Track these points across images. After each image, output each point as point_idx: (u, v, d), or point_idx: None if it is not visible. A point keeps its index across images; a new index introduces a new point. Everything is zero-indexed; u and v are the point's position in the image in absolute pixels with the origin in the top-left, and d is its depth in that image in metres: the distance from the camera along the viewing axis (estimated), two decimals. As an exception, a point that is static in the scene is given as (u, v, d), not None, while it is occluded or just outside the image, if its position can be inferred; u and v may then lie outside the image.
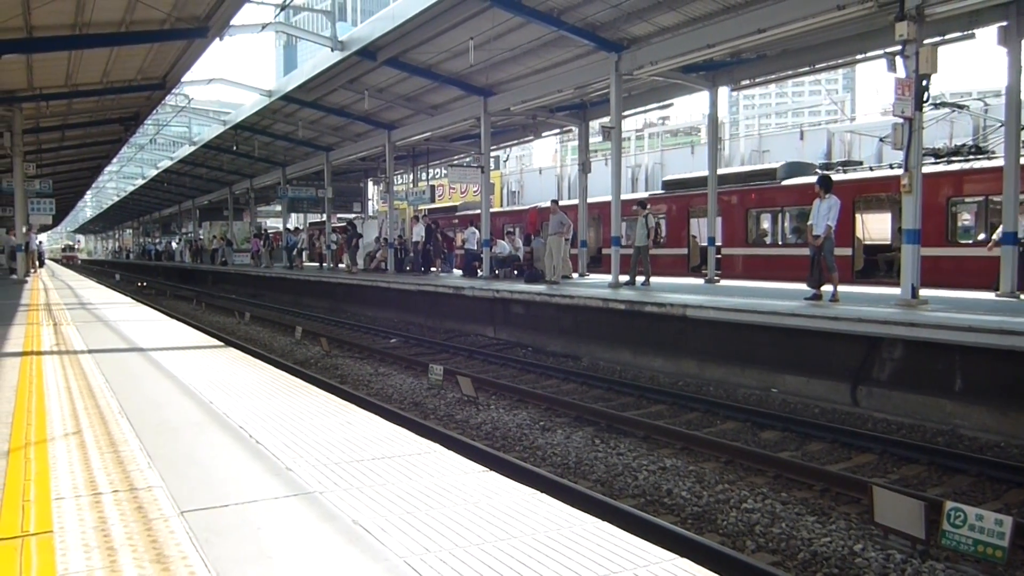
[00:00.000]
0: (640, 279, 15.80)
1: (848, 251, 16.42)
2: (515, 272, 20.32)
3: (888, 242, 18.17)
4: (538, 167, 50.77)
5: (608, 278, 16.66)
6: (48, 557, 2.82)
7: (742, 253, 19.39)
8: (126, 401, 5.51)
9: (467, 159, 26.68)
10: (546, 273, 17.90)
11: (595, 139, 22.36)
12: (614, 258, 16.03)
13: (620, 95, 15.65)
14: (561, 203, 21.55)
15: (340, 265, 28.49)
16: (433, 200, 29.34)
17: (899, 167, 11.42)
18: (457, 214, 31.50)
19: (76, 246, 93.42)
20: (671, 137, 62.07)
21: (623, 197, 17.04)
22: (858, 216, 17.32)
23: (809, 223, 11.73)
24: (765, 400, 9.89)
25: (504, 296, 15.73)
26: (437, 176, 43.69)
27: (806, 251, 12.22)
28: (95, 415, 5.09)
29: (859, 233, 17.64)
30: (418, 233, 24.42)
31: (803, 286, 12.65)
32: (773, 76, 16.20)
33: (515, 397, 10.26)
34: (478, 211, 24.04)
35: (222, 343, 9.67)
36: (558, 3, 14.36)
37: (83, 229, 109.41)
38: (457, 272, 23.81)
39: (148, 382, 6.33)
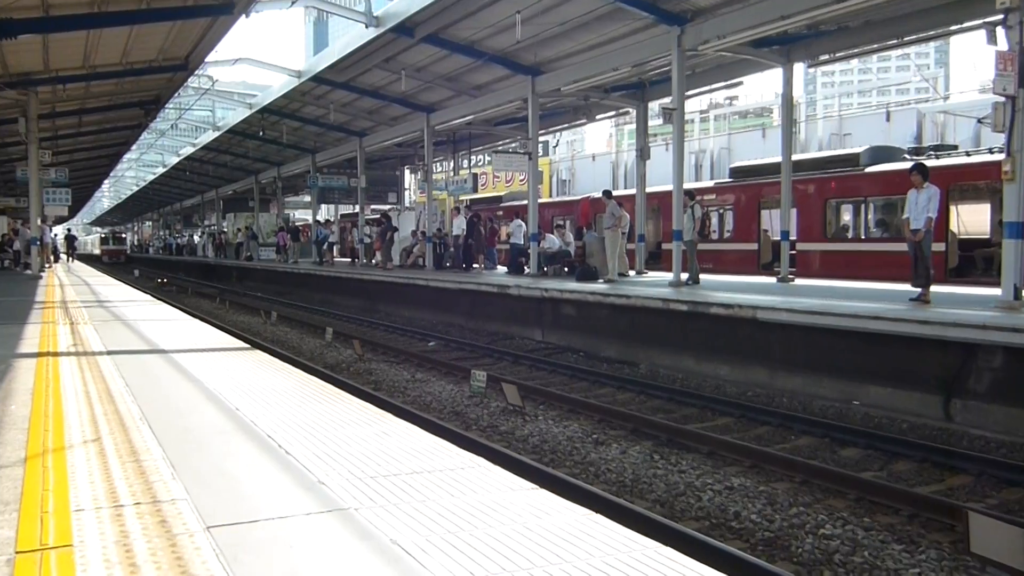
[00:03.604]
0: (684, 275, 15.77)
1: (941, 247, 16.07)
2: (565, 269, 20.33)
3: (987, 236, 17.71)
4: (591, 153, 50.75)
5: (668, 276, 16.60)
6: (68, 572, 2.91)
7: (819, 249, 19.11)
8: (148, 406, 5.61)
9: (513, 145, 26.75)
10: (599, 270, 17.90)
11: (655, 122, 22.19)
12: (675, 254, 15.95)
13: (683, 73, 15.54)
14: (617, 193, 21.46)
15: (374, 261, 28.75)
16: (475, 190, 29.40)
17: (1000, 152, 11.14)
18: (502, 205, 31.69)
19: (123, 235, 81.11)
20: (739, 119, 61.46)
21: (686, 186, 16.91)
22: (952, 207, 16.93)
23: (905, 216, 11.52)
24: (845, 413, 9.75)
25: (553, 296, 15.75)
26: (480, 163, 44.06)
27: (891, 247, 12.00)
28: (115, 421, 5.19)
29: (953, 227, 17.25)
30: (459, 226, 24.55)
31: (890, 286, 12.43)
32: (856, 50, 15.92)
33: (565, 407, 10.27)
34: (525, 202, 24.05)
35: (248, 345, 9.84)
36: (614, -28, 14.33)
37: (100, 221, 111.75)
38: (501, 269, 23.89)
39: (171, 386, 6.45)
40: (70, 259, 47.53)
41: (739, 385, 11.46)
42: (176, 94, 25.26)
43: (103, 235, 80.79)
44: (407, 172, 37.25)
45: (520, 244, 22.38)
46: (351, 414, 5.51)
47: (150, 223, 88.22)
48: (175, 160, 43.82)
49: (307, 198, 46.29)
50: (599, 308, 14.60)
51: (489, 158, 32.88)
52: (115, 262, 61.90)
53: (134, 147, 39.26)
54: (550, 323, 16.08)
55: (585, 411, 10.00)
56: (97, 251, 79.68)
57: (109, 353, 8.26)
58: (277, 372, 7.28)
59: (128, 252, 70.77)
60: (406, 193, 39.92)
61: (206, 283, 38.97)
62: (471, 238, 23.89)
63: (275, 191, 41.30)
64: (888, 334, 9.64)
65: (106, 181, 59.62)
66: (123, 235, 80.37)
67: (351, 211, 44.64)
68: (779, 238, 17.30)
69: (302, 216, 57.78)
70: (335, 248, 34.18)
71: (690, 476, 7.33)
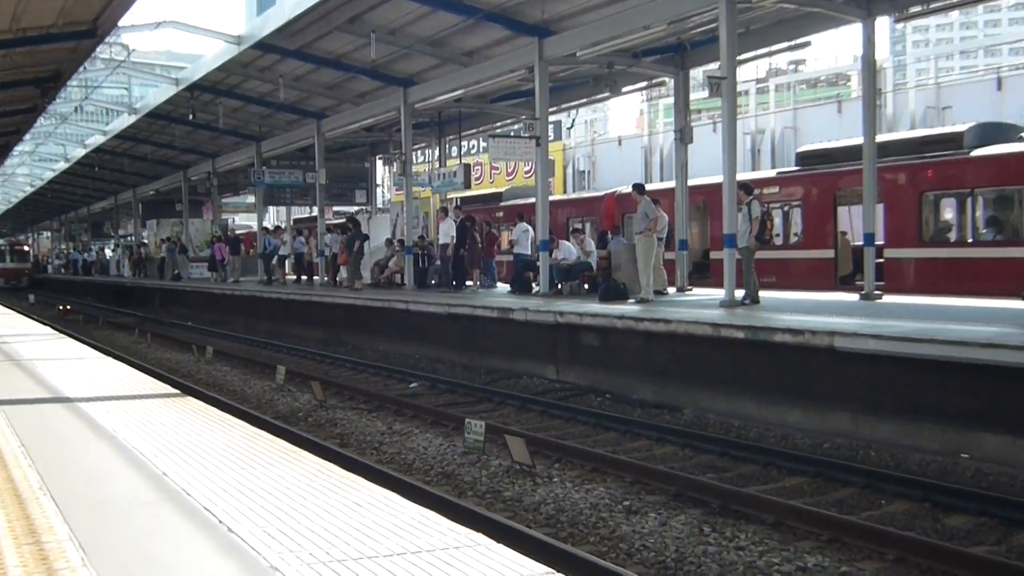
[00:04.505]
0: (740, 293, 15.77)
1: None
2: (585, 286, 20.28)
3: None
4: (616, 136, 50.80)
5: (718, 293, 16.57)
6: None
7: (914, 256, 19.10)
8: (50, 472, 5.63)
9: (516, 127, 26.82)
10: (629, 287, 17.91)
11: (698, 95, 22.30)
12: (727, 265, 15.94)
13: (734, 31, 15.57)
14: (650, 187, 21.47)
15: (338, 279, 28.76)
16: (468, 185, 29.35)
17: None
18: (502, 205, 31.74)
19: (24, 247, 73.77)
20: (808, 90, 61.59)
21: (740, 177, 16.93)
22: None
23: None
24: (951, 470, 9.70)
25: (570, 321, 15.66)
26: (473, 151, 44.14)
27: (1008, 252, 12.04)
28: (7, 491, 5.20)
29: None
30: (447, 232, 24.42)
31: (1007, 303, 12.42)
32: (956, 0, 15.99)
33: (588, 465, 10.24)
34: (531, 200, 24.02)
35: (177, 390, 9.90)
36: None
37: None
38: (502, 287, 23.85)
39: (79, 445, 6.49)
40: None
41: (813, 435, 11.36)
42: (82, 68, 25.34)
43: None
44: (379, 164, 37.37)
45: (526, 254, 22.29)
46: (312, 478, 5.53)
47: (48, 234, 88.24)
48: (81, 153, 43.98)
49: (250, 198, 46.57)
50: (630, 337, 14.51)
51: (485, 144, 32.87)
52: (13, 286, 59.07)
53: (28, 137, 39.38)
54: (566, 357, 16.01)
55: (614, 470, 9.95)
56: None
57: None
58: (215, 425, 7.31)
59: (31, 271, 66.43)
60: (378, 191, 40.09)
61: (121, 310, 38.91)
62: (463, 247, 23.79)
63: (209, 190, 41.50)
64: (1008, 367, 9.61)
65: None
66: (23, 246, 73.48)
67: (308, 215, 44.81)
68: (862, 243, 17.32)
69: (244, 223, 58.12)
70: (287, 263, 34.30)
71: (751, 554, 7.30)
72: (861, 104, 17.71)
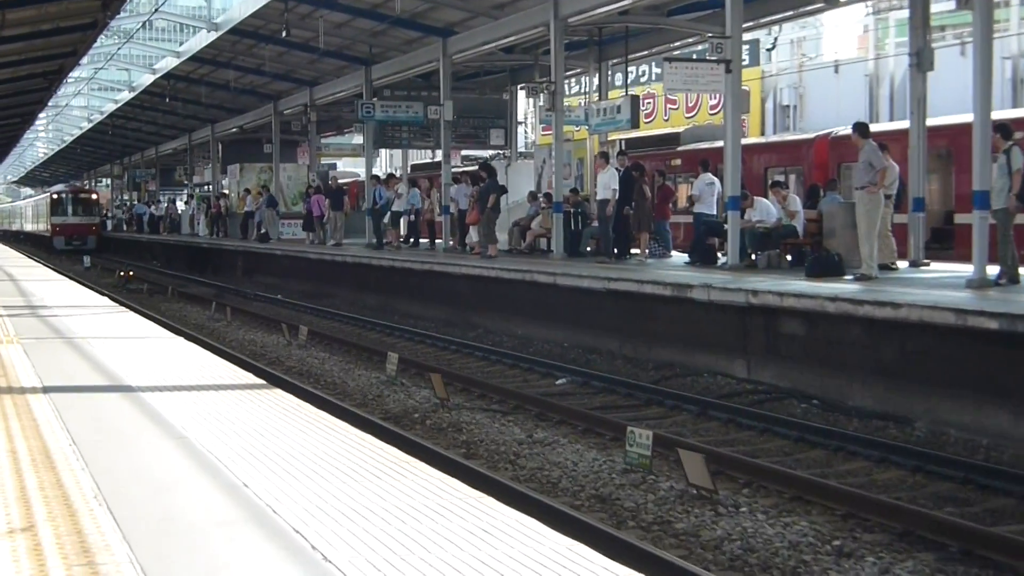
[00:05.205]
0: (994, 270, 15.42)
1: None
2: (788, 258, 20.08)
3: None
4: (831, 61, 49.52)
5: (965, 269, 16.28)
6: None
7: None
8: (107, 478, 5.73)
9: (699, 47, 26.44)
10: (846, 259, 17.61)
11: (942, 6, 21.58)
12: (977, 232, 15.53)
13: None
14: (876, 128, 21.01)
15: (466, 243, 28.86)
16: (637, 124, 28.62)
17: None
18: (679, 149, 31.28)
19: (92, 194, 71.99)
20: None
21: (997, 115, 16.40)
22: None
23: None
24: None
25: (768, 303, 15.38)
26: (643, 79, 43.74)
27: None
28: (57, 500, 5.29)
29: None
30: (607, 185, 24.12)
31: None
32: None
33: (786, 492, 10.18)
34: (718, 143, 23.85)
35: (263, 381, 10.15)
36: None
37: (32, 178, 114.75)
38: (678, 257, 23.64)
39: (142, 446, 6.61)
40: None
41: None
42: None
43: (56, 195, 70.17)
44: (521, 96, 37.28)
45: (710, 215, 22.06)
46: (430, 496, 5.55)
47: (106, 182, 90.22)
48: (149, 80, 44.93)
49: (357, 139, 46.68)
50: (846, 325, 14.26)
51: (659, 70, 32.53)
52: (77, 247, 59.90)
53: (85, 60, 40.36)
54: (761, 349, 15.91)
55: (820, 500, 9.84)
56: (34, 227, 79.08)
57: (47, 391, 8.48)
58: (309, 425, 7.40)
59: (99, 228, 67.55)
60: (520, 130, 40.00)
61: (195, 278, 39.84)
62: (628, 205, 23.57)
63: (306, 128, 41.88)
64: None
65: (42, 115, 60.46)
66: (92, 194, 73.18)
67: (428, 160, 44.94)
68: None
69: (349, 169, 58.45)
70: (403, 221, 33.82)
71: (1005, 618, 7.13)
72: None
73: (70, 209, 65.84)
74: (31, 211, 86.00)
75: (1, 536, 4.73)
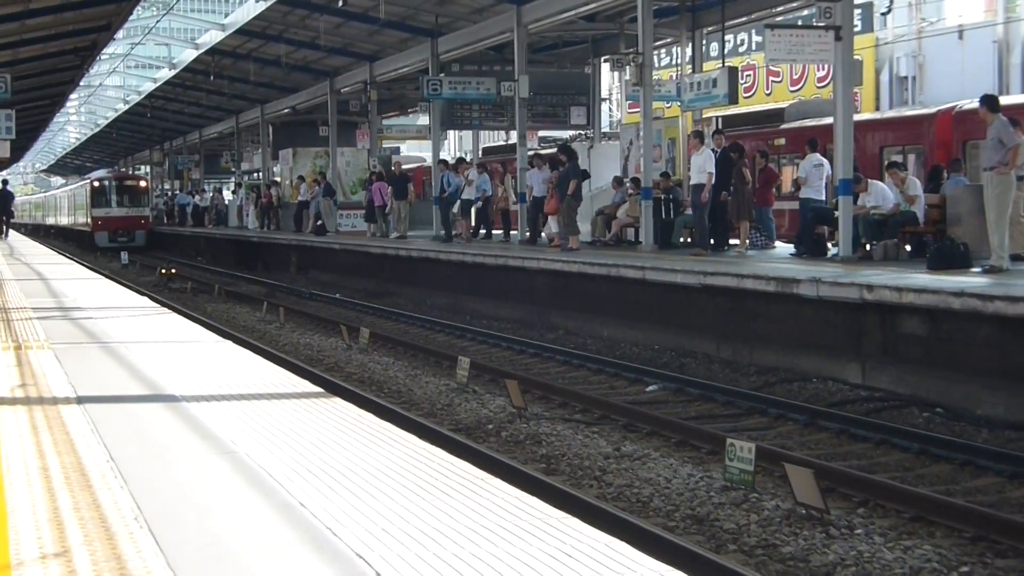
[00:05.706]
0: None
1: None
2: (907, 247, 19.98)
3: None
4: (956, 26, 48.55)
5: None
6: None
7: None
8: (148, 497, 5.71)
9: (805, 12, 25.92)
10: (973, 249, 17.15)
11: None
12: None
13: None
14: (1007, 102, 20.51)
15: (544, 234, 28.66)
16: (735, 100, 28.12)
17: None
18: (782, 128, 30.86)
19: (141, 181, 67.50)
20: None
21: None
22: None
23: None
24: None
25: (884, 299, 15.07)
26: (742, 49, 43.25)
27: None
28: (93, 522, 5.25)
29: None
30: (702, 168, 23.76)
31: None
32: None
33: (907, 512, 9.94)
34: (827, 120, 23.55)
35: (320, 388, 10.18)
36: None
37: (62, 166, 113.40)
38: (783, 248, 23.74)
39: (186, 462, 6.60)
40: (3, 232, 47.71)
41: None
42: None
43: (97, 183, 64.08)
44: (605, 69, 36.80)
45: (819, 200, 21.90)
46: (507, 516, 5.51)
47: (146, 169, 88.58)
48: (191, 56, 44.99)
49: (423, 119, 46.29)
50: (973, 323, 13.95)
51: (759, 39, 31.77)
52: (124, 244, 56.36)
53: (120, 34, 40.12)
54: (877, 351, 15.55)
55: (945, 520, 9.58)
56: (71, 221, 72.73)
57: (81, 401, 8.47)
58: (372, 437, 7.38)
59: (150, 222, 62.71)
60: (604, 108, 39.43)
61: (245, 275, 40.41)
62: (725, 190, 23.32)
63: (365, 108, 41.00)
64: None
65: (73, 96, 59.85)
66: (140, 181, 67.90)
67: (501, 143, 44.60)
68: None
69: (413, 153, 57.87)
70: (474, 210, 33.39)
71: None
72: None
73: (114, 199, 60.53)
74: (67, 202, 78.48)
75: (32, 562, 4.68)
